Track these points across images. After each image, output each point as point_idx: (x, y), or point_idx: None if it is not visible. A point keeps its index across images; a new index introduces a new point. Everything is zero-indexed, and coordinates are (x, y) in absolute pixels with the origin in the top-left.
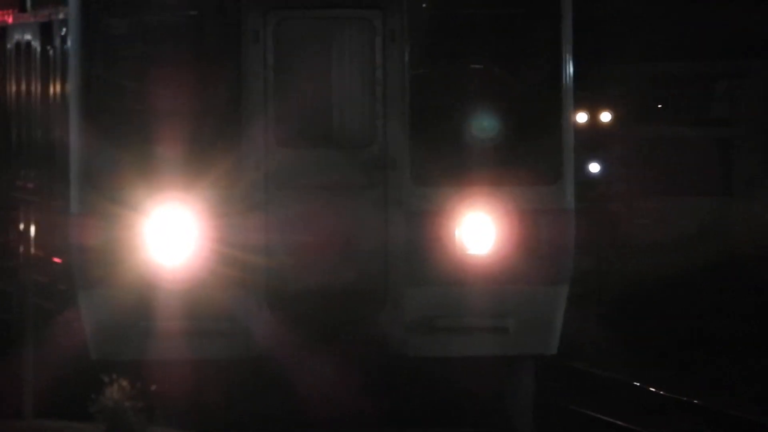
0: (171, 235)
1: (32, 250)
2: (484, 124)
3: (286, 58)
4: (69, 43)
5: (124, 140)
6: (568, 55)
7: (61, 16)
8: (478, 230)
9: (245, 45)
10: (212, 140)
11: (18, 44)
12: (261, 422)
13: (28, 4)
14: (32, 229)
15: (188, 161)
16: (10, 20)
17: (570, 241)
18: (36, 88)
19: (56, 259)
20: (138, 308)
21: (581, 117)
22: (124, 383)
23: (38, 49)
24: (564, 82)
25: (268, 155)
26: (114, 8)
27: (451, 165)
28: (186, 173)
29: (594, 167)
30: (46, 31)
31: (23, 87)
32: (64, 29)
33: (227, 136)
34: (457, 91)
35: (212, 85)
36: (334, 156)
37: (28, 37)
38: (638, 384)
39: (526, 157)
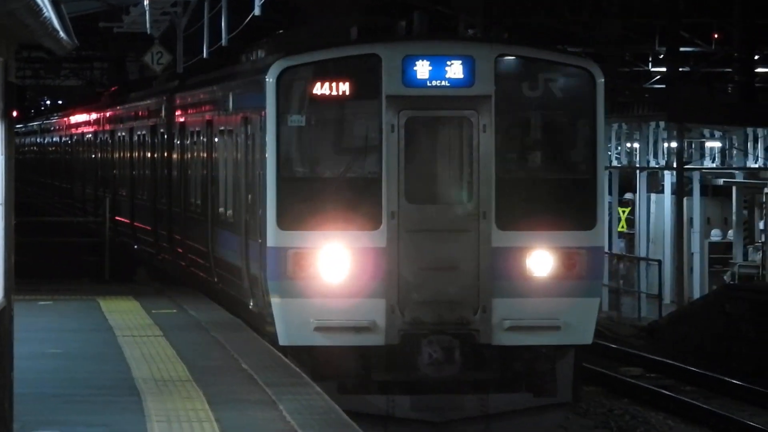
0: (334, 262)
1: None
2: (546, 188)
3: (412, 143)
4: (267, 131)
5: (303, 196)
6: (601, 139)
7: (260, 114)
8: (540, 261)
9: (386, 133)
10: (363, 197)
11: (221, 131)
12: (388, 388)
13: (231, 107)
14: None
15: (347, 211)
16: (217, 118)
17: (601, 268)
18: (235, 158)
19: (251, 271)
20: (311, 311)
21: None
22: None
23: (239, 134)
24: (598, 158)
25: (400, 208)
26: (296, 109)
27: (523, 216)
28: (345, 219)
29: None
30: (244, 124)
31: (225, 157)
32: (262, 122)
33: (373, 194)
34: (527, 166)
35: (362, 160)
36: (444, 209)
37: (230, 127)
38: None
39: (573, 211)
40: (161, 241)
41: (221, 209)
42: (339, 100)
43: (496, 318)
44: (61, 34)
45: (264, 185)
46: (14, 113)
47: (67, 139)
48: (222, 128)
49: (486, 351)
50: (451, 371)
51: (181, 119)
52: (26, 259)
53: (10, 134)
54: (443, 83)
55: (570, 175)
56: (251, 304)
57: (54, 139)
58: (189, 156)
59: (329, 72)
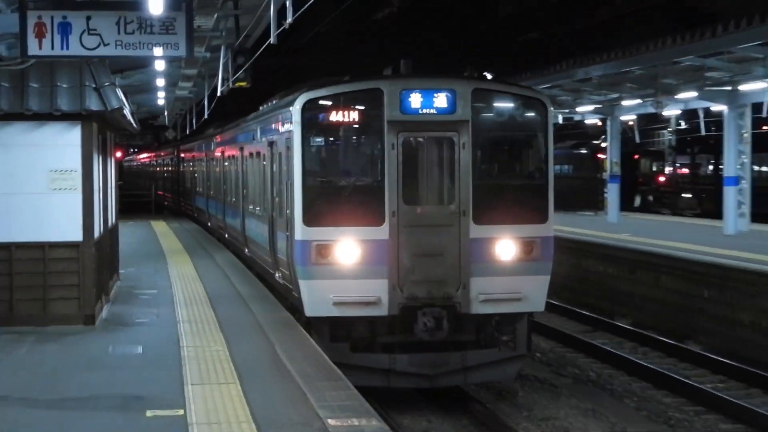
0: (348, 251)
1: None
2: (510, 192)
3: (408, 157)
4: (294, 149)
5: (323, 199)
6: (550, 150)
7: (286, 137)
8: (506, 248)
9: (387, 150)
10: (369, 200)
11: (251, 153)
12: (389, 348)
13: (258, 137)
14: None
15: (357, 211)
16: (246, 146)
17: (551, 253)
18: (262, 170)
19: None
20: (330, 289)
21: None
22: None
23: (265, 153)
24: (549, 164)
25: (399, 208)
26: (316, 132)
27: (493, 214)
28: (356, 217)
29: None
30: (269, 145)
31: (254, 169)
32: (289, 143)
33: (377, 198)
34: (495, 173)
35: (370, 170)
36: (433, 209)
37: (258, 149)
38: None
39: (530, 209)
40: (203, 213)
41: (251, 205)
42: (350, 124)
43: (473, 293)
44: (134, 124)
45: (292, 191)
46: (117, 154)
47: (153, 162)
48: (251, 151)
49: (465, 318)
50: (440, 335)
51: (222, 147)
52: (123, 208)
53: (116, 163)
54: (431, 111)
55: (528, 181)
56: (277, 275)
57: (144, 163)
58: (228, 169)
59: (342, 102)
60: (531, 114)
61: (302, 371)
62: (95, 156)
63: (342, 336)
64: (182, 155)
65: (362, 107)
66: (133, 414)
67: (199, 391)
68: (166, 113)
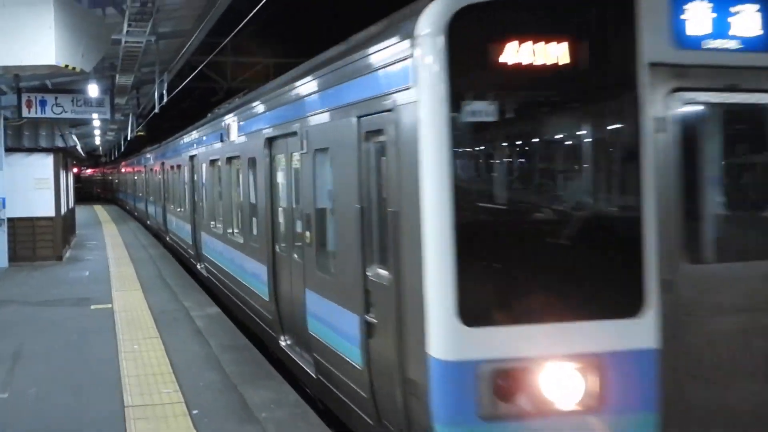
0: (566, 382)
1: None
2: None
3: (696, 151)
4: (422, 130)
5: (502, 254)
6: None
7: (350, 115)
8: None
9: (648, 134)
10: (608, 254)
11: (213, 160)
12: None
13: (229, 137)
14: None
15: (578, 282)
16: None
17: None
18: (246, 181)
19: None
20: None
21: None
22: None
23: (250, 158)
24: None
25: (680, 273)
26: (479, 91)
27: None
28: (576, 299)
29: None
30: (268, 142)
31: (216, 179)
32: (395, 120)
33: (627, 249)
34: None
35: (604, 185)
36: (760, 271)
37: (232, 153)
38: None
39: None
40: (142, 211)
41: (212, 222)
42: (556, 75)
43: None
44: (83, 154)
45: (402, 235)
46: (75, 170)
47: (97, 174)
48: (213, 157)
49: None
50: None
51: (164, 159)
52: (79, 198)
53: (74, 175)
54: (735, 44)
55: None
56: (282, 341)
57: (93, 174)
58: (170, 178)
59: (539, 22)
60: None
61: (176, 284)
62: (61, 171)
63: None
64: (123, 169)
65: (585, 34)
66: (84, 307)
67: (120, 295)
68: (101, 148)
